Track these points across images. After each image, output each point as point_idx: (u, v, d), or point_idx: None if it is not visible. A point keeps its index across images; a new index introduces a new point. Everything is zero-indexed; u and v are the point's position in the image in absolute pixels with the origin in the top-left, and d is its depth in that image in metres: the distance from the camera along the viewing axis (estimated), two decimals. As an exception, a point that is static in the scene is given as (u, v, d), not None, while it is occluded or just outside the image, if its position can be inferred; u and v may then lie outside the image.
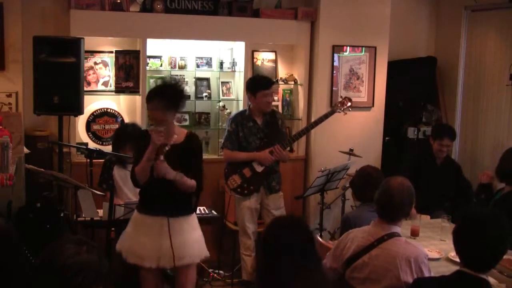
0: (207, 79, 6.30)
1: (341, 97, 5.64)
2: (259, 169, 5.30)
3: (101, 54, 5.96)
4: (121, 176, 5.03)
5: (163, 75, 6.10)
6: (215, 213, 5.23)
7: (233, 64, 6.28)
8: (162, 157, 3.85)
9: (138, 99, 5.96)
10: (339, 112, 5.47)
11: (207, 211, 5.18)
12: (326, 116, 5.41)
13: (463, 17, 6.74)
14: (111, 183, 4.88)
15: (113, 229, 4.64)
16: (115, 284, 4.80)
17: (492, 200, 4.85)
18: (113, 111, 5.97)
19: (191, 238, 4.17)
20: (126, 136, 5.00)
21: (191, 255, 4.15)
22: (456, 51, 6.82)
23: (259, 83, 5.29)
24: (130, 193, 4.96)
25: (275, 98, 6.27)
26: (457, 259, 3.25)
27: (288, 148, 5.42)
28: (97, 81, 5.95)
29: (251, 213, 5.40)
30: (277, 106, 6.38)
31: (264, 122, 5.37)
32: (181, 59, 6.13)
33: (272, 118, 5.42)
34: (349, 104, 5.50)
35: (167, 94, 4.01)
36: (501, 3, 6.16)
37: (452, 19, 6.91)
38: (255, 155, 5.29)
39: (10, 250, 2.93)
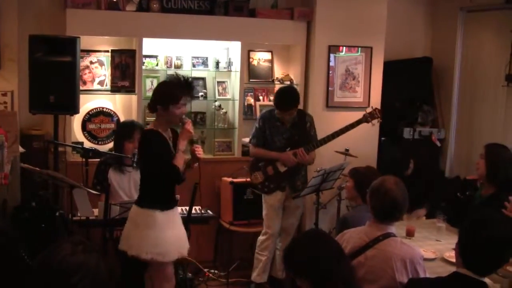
0: (203, 79, 6.29)
1: (371, 107, 5.53)
2: (282, 169, 5.37)
3: (97, 53, 5.95)
4: (117, 180, 5.04)
5: (159, 75, 6.10)
6: (210, 212, 5.23)
7: (229, 63, 6.28)
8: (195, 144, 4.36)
9: (134, 99, 5.96)
10: (367, 123, 5.43)
11: (202, 211, 5.17)
12: (353, 125, 5.36)
13: (459, 18, 6.75)
14: (105, 185, 4.87)
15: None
16: (114, 285, 4.80)
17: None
18: (109, 111, 5.96)
19: None
20: (124, 134, 5.03)
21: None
22: (452, 51, 6.83)
23: (279, 103, 5.28)
24: (125, 197, 4.97)
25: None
26: (453, 260, 3.26)
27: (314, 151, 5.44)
28: (93, 80, 5.94)
29: (277, 211, 5.46)
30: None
31: (292, 125, 5.39)
32: (177, 59, 6.13)
33: (301, 120, 5.44)
34: (379, 116, 5.43)
35: (193, 87, 4.39)
36: (496, 4, 6.17)
37: (448, 20, 6.91)
38: (278, 155, 5.35)
39: (6, 250, 2.93)
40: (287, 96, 5.36)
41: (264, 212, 5.51)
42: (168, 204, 4.24)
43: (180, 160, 4.13)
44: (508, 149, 4.85)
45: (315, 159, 5.56)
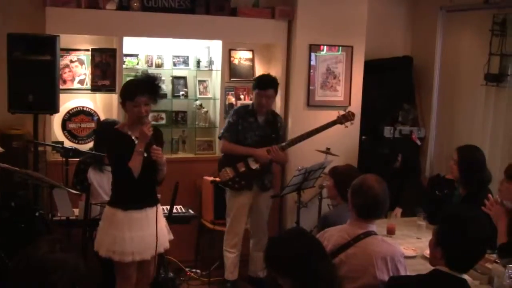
0: (184, 78, 6.28)
1: (344, 110, 5.60)
2: (254, 166, 5.35)
3: (77, 52, 5.91)
4: (97, 179, 5.00)
5: (139, 74, 6.06)
6: (191, 212, 5.22)
7: (210, 62, 6.27)
8: (154, 145, 4.09)
9: (114, 98, 5.92)
10: (341, 124, 5.49)
11: (184, 210, 5.17)
12: (327, 126, 5.43)
13: (439, 17, 6.78)
14: (85, 185, 4.84)
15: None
16: (95, 284, 4.78)
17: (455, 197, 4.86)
18: (89, 110, 5.93)
19: (164, 223, 4.39)
20: (105, 131, 5.00)
21: (166, 239, 4.37)
22: (432, 50, 6.87)
23: (258, 82, 5.39)
24: (105, 196, 4.93)
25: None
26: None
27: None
28: (73, 79, 5.90)
29: (243, 210, 5.44)
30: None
31: (265, 122, 5.40)
32: (157, 58, 6.11)
33: (273, 120, 5.48)
34: (352, 118, 5.51)
35: (157, 88, 4.18)
36: (476, 4, 6.21)
37: (428, 19, 6.95)
38: (252, 151, 5.34)
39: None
40: (267, 77, 5.52)
41: (230, 211, 5.48)
42: (132, 204, 4.15)
43: (134, 162, 4.02)
44: (480, 150, 4.88)
45: (287, 161, 5.63)
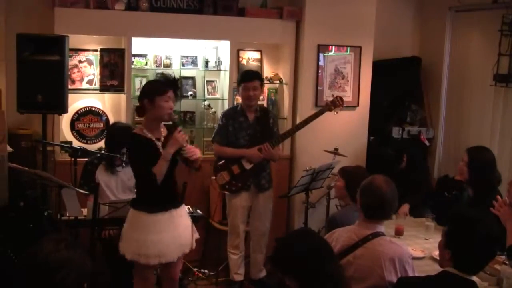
0: (192, 78, 6.28)
1: (332, 96, 5.62)
2: (248, 166, 5.33)
3: (86, 52, 5.93)
4: (104, 180, 5.01)
5: (148, 74, 6.08)
6: (200, 212, 5.22)
7: (219, 63, 6.28)
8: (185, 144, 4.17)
9: (122, 98, 5.94)
10: (330, 111, 5.48)
11: (192, 210, 5.16)
12: (316, 115, 5.40)
13: (447, 18, 6.77)
14: (93, 185, 4.84)
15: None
16: (103, 284, 4.79)
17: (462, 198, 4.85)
18: (98, 110, 5.94)
19: (189, 222, 4.38)
20: (119, 137, 4.98)
21: (193, 239, 4.37)
22: (441, 51, 6.85)
23: (242, 76, 5.40)
24: (112, 196, 4.95)
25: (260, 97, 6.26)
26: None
27: (281, 147, 5.44)
28: (81, 80, 5.92)
29: (241, 211, 5.43)
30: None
31: (255, 119, 5.38)
32: (166, 58, 6.11)
33: (264, 116, 5.44)
34: (341, 103, 5.50)
35: (178, 87, 4.26)
36: (485, 4, 6.19)
37: (437, 19, 6.94)
38: (243, 152, 5.32)
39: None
40: (250, 70, 5.67)
41: (229, 213, 5.49)
42: (156, 207, 4.14)
43: (160, 168, 4.03)
44: (490, 151, 4.87)
45: (281, 156, 5.62)
